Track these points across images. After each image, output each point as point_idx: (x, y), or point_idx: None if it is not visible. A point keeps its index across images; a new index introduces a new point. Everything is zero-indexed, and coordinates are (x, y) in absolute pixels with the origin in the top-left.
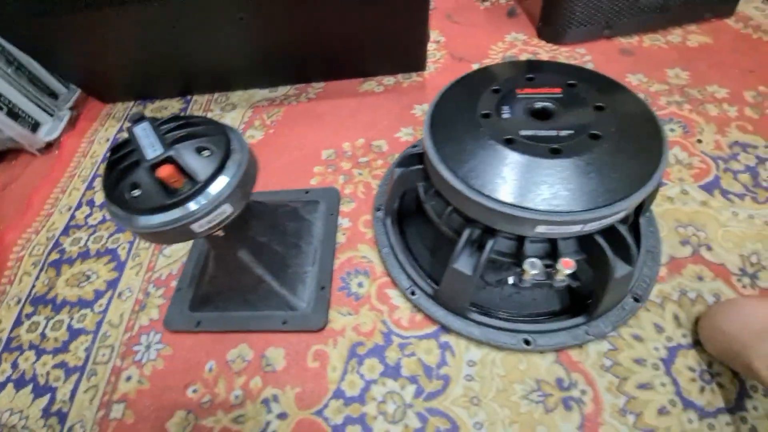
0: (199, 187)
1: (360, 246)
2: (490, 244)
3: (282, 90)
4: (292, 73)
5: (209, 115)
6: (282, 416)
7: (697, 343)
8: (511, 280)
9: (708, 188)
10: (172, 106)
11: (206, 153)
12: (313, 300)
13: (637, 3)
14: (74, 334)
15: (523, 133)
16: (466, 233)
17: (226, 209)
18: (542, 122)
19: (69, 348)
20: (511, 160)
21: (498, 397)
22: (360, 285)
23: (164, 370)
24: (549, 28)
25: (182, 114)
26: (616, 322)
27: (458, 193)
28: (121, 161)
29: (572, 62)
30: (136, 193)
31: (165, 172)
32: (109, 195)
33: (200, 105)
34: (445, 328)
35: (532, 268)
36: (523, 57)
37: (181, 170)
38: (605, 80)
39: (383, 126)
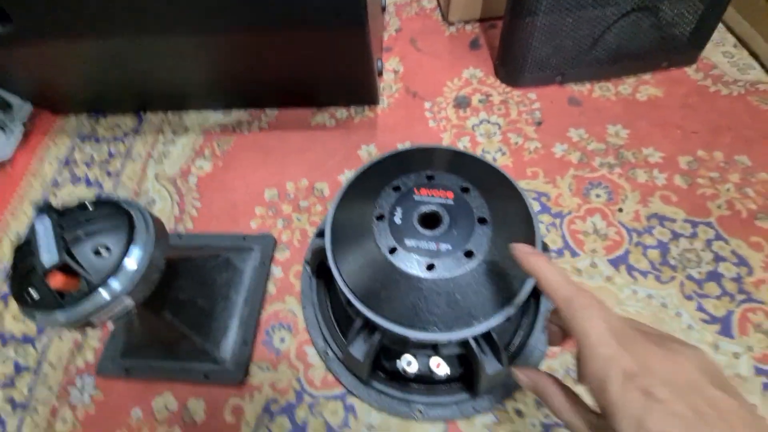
0: (91, 290)
1: (288, 298)
2: (377, 336)
3: (235, 114)
4: (245, 98)
5: (161, 138)
6: None
7: None
8: (399, 367)
9: (616, 263)
10: (125, 123)
11: (104, 252)
12: (235, 354)
13: (591, 53)
14: (19, 369)
15: (408, 243)
16: (358, 322)
17: (126, 302)
18: (428, 231)
19: (15, 383)
20: (390, 272)
21: None
22: (282, 340)
23: (95, 415)
24: (504, 69)
25: (93, 201)
26: (502, 397)
27: (344, 294)
28: (23, 260)
29: (521, 108)
30: (35, 295)
31: (56, 282)
32: (15, 296)
33: (153, 125)
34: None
35: (408, 366)
36: (476, 97)
37: (75, 273)
38: (502, 183)
39: (329, 166)
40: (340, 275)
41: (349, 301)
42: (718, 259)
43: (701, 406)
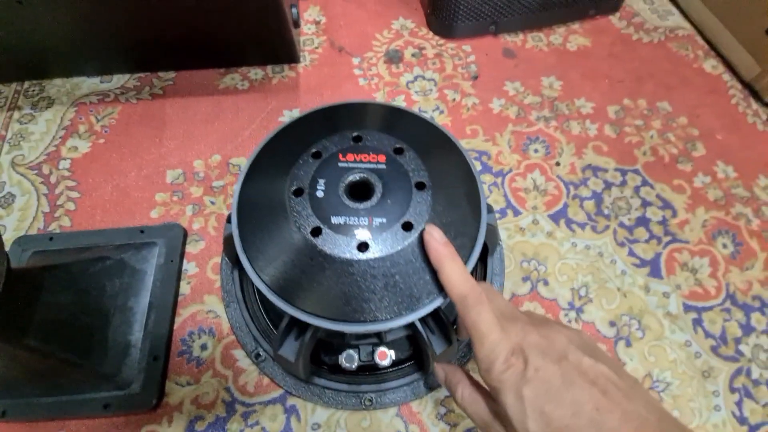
0: None
1: (207, 298)
2: (309, 333)
3: (118, 80)
4: (131, 59)
5: (16, 115)
6: None
7: None
8: (340, 363)
9: (555, 218)
10: None
11: None
12: (143, 374)
13: (519, 0)
14: None
15: (335, 220)
16: (285, 319)
17: None
18: (357, 204)
19: None
20: (315, 259)
21: None
22: (204, 347)
23: None
24: (436, 19)
25: None
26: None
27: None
28: None
29: (456, 62)
30: None
31: None
32: None
33: (5, 98)
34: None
35: (349, 362)
36: (408, 51)
37: None
38: (439, 140)
39: (245, 137)
40: (254, 269)
41: None
42: (645, 204)
43: (570, 371)
